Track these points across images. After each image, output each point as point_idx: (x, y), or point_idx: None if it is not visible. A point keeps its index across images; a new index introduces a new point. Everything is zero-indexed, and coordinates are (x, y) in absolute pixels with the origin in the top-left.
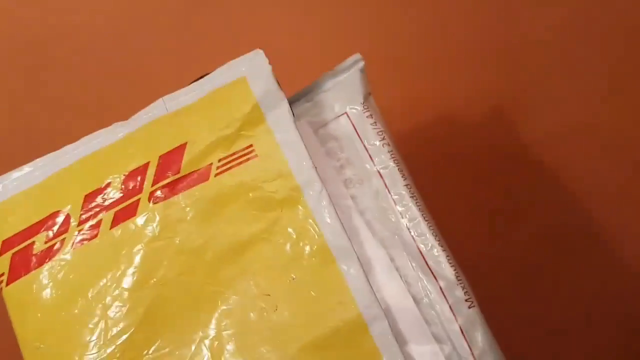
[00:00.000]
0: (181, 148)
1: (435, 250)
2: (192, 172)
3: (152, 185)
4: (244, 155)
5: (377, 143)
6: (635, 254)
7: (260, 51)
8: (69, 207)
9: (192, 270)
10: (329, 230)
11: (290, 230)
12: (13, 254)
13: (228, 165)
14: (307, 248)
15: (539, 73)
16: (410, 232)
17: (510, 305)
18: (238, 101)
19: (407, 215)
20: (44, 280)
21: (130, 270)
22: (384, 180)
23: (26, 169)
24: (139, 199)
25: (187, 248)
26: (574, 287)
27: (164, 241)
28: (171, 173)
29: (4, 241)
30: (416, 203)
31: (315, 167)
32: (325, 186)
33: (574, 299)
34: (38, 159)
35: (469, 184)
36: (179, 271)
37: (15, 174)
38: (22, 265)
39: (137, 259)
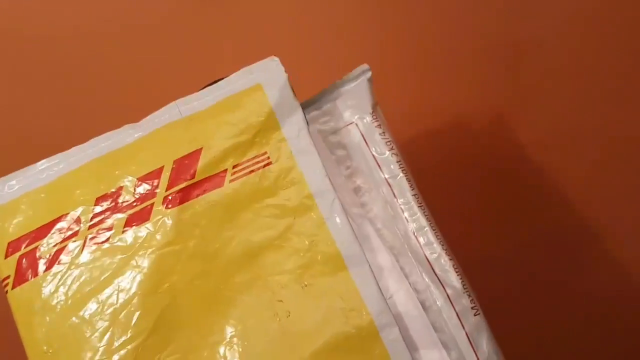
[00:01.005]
0: (196, 153)
1: (443, 259)
2: (207, 177)
3: (167, 190)
4: (259, 162)
5: (386, 153)
6: (634, 255)
7: (276, 58)
8: (79, 209)
9: (205, 276)
10: (341, 238)
11: (303, 237)
12: (20, 256)
13: (243, 172)
14: (320, 255)
15: (540, 75)
16: (418, 241)
17: (509, 305)
18: (253, 108)
19: (415, 224)
20: (53, 284)
21: (143, 275)
22: (392, 190)
23: (33, 169)
24: (152, 203)
25: (200, 253)
26: (573, 287)
27: (177, 246)
28: (186, 178)
29: (10, 243)
30: (424, 212)
31: (328, 176)
32: (337, 195)
33: (572, 299)
34: (45, 160)
35: (469, 184)
36: (193, 276)
37: (22, 174)
38: (29, 268)
39: (150, 264)
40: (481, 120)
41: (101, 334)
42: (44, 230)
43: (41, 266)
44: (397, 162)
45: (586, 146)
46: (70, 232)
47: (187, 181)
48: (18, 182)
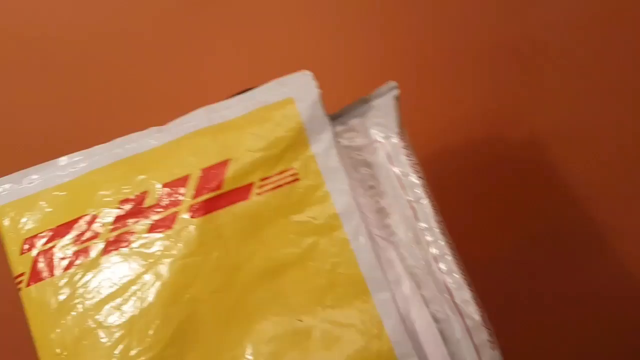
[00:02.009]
0: (224, 164)
1: (464, 289)
2: (234, 189)
3: (192, 199)
4: (286, 177)
5: (412, 175)
6: (633, 254)
7: (310, 73)
8: (101, 211)
9: (226, 289)
10: (365, 261)
11: (326, 257)
12: (37, 253)
13: (269, 186)
14: (342, 277)
15: (539, 75)
16: (440, 269)
17: (507, 307)
18: (284, 122)
19: (437, 251)
20: (69, 285)
21: (163, 284)
22: (416, 214)
23: (54, 165)
24: (177, 211)
25: (222, 266)
26: (572, 287)
27: (200, 257)
28: (212, 188)
29: (26, 239)
30: (447, 240)
31: (355, 198)
32: (362, 216)
33: (571, 299)
34: (66, 156)
35: (468, 184)
36: (213, 289)
37: (42, 169)
38: (45, 267)
39: (171, 273)
40: (478, 121)
41: (116, 342)
42: (63, 229)
43: (58, 266)
44: (422, 185)
45: (587, 146)
46: (90, 234)
47: (213, 191)
48: (38, 178)
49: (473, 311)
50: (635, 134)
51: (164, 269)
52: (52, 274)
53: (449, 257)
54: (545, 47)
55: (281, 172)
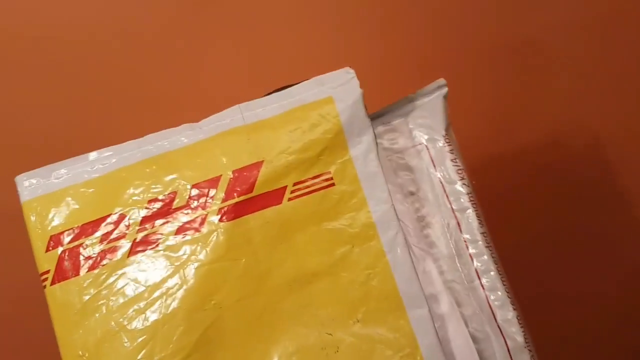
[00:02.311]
0: (257, 166)
1: (507, 308)
2: (265, 192)
3: (222, 202)
4: (321, 182)
5: (457, 182)
6: (633, 254)
7: (352, 71)
8: (129, 210)
9: (253, 296)
10: (401, 275)
11: (360, 268)
12: (62, 251)
13: (303, 191)
14: (376, 290)
15: (539, 75)
16: (482, 285)
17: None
18: (322, 123)
19: (480, 266)
20: (94, 285)
21: (190, 289)
22: (459, 225)
23: (83, 159)
24: (206, 214)
25: (251, 272)
26: (572, 287)
27: (227, 262)
28: (243, 191)
29: (52, 236)
30: (491, 254)
31: (394, 207)
32: (401, 227)
33: (571, 299)
34: (96, 151)
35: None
36: (241, 296)
37: (71, 163)
38: (71, 265)
39: (198, 278)
40: (477, 118)
41: (139, 347)
42: (90, 227)
43: (84, 265)
44: (468, 194)
45: (587, 146)
46: (117, 233)
47: (244, 195)
48: (66, 173)
49: (515, 331)
50: (635, 133)
51: (190, 273)
52: (77, 274)
53: (493, 273)
54: (545, 47)
55: (316, 176)
